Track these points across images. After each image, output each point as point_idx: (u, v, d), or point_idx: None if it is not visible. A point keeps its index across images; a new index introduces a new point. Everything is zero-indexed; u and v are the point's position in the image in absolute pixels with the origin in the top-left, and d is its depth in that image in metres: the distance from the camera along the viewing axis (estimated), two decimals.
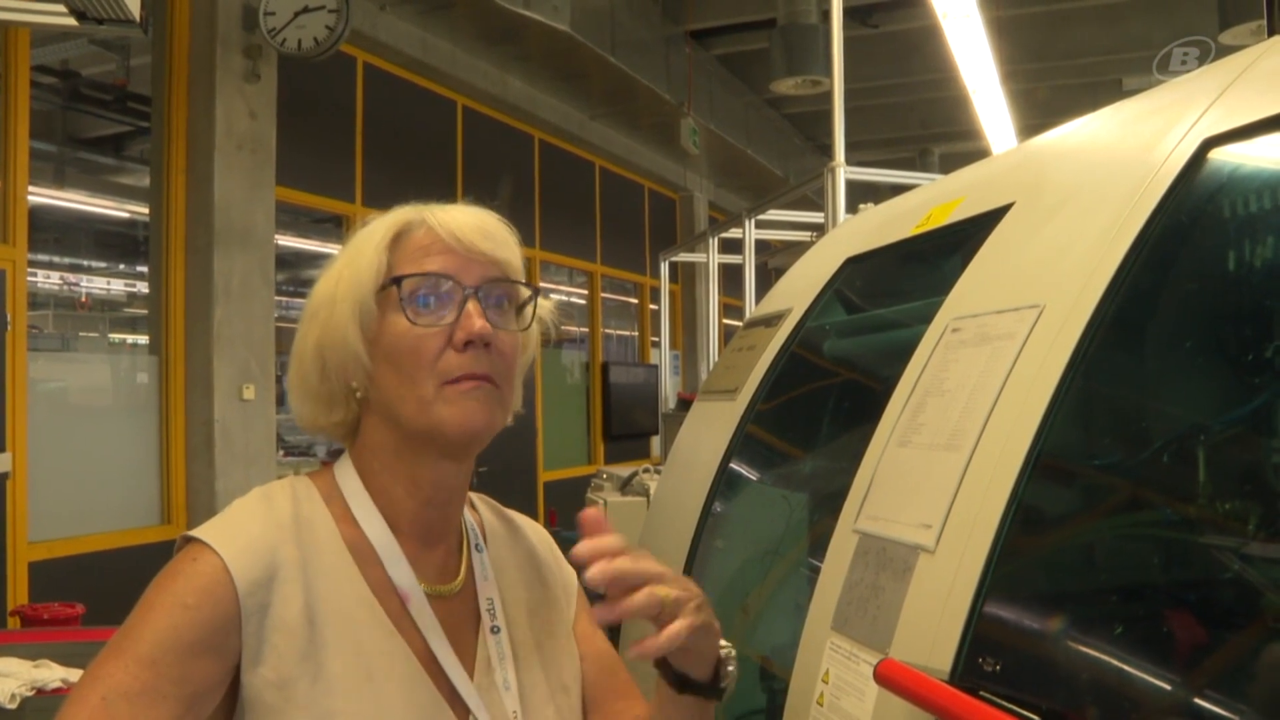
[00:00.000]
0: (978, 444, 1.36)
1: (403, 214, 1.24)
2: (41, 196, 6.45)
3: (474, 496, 1.41)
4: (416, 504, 1.22)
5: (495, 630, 1.26)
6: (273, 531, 1.15)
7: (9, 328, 5.12)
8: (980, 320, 1.54)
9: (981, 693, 1.09)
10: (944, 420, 1.47)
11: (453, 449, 1.19)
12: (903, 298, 2.25)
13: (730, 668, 1.25)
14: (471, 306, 1.17)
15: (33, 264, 5.52)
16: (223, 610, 1.07)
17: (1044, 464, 1.28)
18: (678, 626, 1.09)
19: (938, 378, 1.56)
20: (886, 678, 1.20)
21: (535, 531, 1.45)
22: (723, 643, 1.25)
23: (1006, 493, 1.26)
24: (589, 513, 1.12)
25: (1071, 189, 1.61)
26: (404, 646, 1.16)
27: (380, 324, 1.19)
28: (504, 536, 1.39)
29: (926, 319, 1.73)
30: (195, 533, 1.12)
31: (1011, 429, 1.32)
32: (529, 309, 1.26)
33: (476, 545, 1.32)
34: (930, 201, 2.16)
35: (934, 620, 1.29)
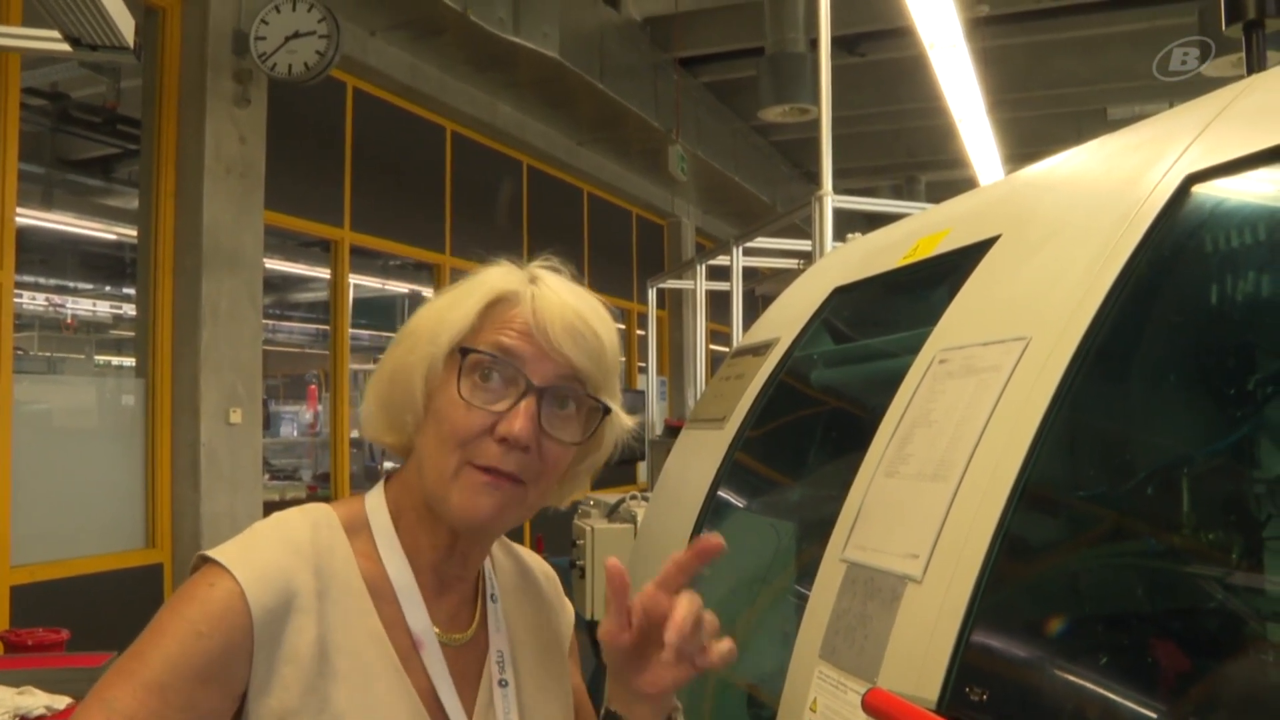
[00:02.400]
0: (965, 474, 1.37)
1: (507, 280, 1.22)
2: (29, 218, 6.44)
3: None
4: (438, 555, 1.22)
5: (503, 684, 1.25)
6: (290, 559, 1.14)
7: None
8: (967, 352, 1.55)
9: None
10: (931, 451, 1.48)
11: (462, 531, 1.19)
12: (890, 328, 2.27)
13: None
14: (525, 405, 1.14)
15: (19, 285, 5.50)
16: (236, 640, 1.06)
17: (1030, 494, 1.29)
18: (725, 646, 1.18)
19: (925, 408, 1.57)
20: (874, 707, 1.21)
21: (542, 570, 1.45)
22: (677, 703, 1.29)
23: (993, 523, 1.27)
24: (613, 564, 1.15)
25: (1057, 222, 1.63)
26: (409, 688, 1.15)
27: (442, 382, 1.17)
28: (516, 583, 1.38)
29: (914, 350, 1.74)
30: (214, 554, 1.11)
31: (998, 460, 1.33)
32: (595, 420, 1.23)
33: (492, 595, 1.31)
34: (917, 232, 2.18)
35: (921, 649, 1.30)
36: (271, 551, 1.14)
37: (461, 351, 1.16)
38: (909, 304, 2.24)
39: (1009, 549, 1.28)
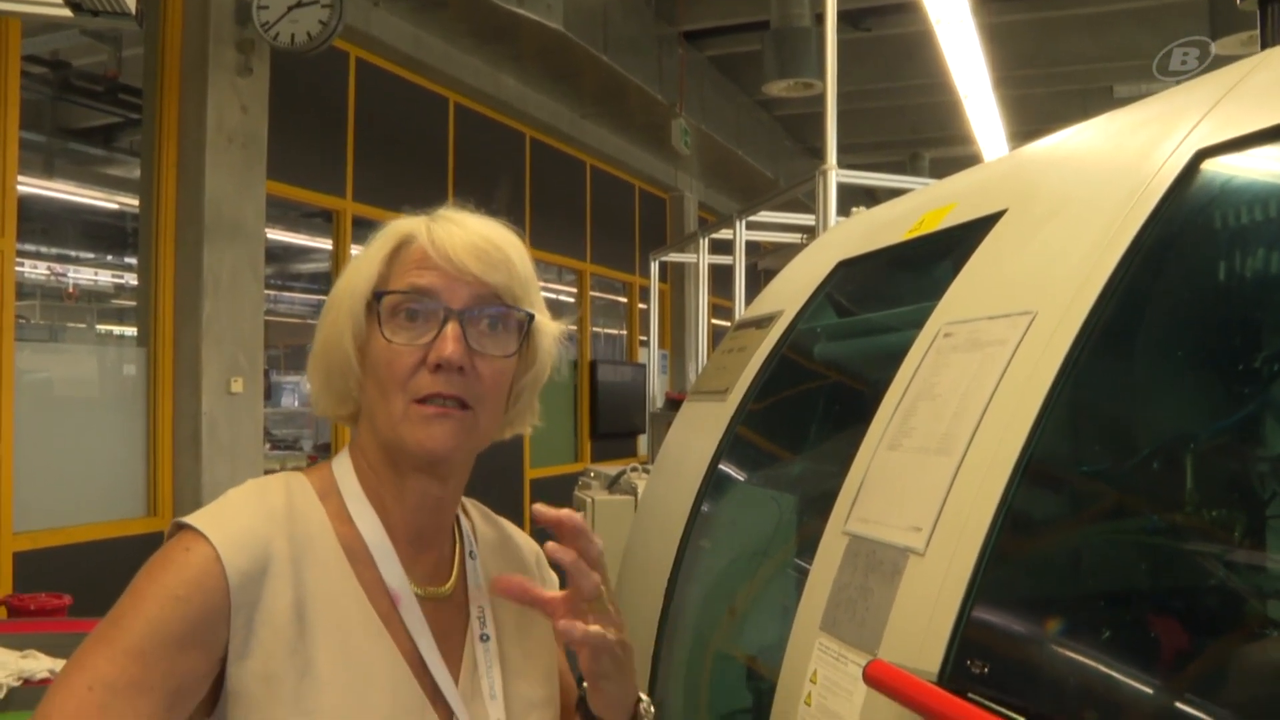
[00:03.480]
0: (968, 448, 1.37)
1: (407, 224, 1.24)
2: (30, 186, 6.43)
3: (466, 502, 1.41)
4: (405, 510, 1.23)
5: (485, 638, 1.27)
6: (266, 523, 1.15)
7: None
8: (972, 326, 1.55)
9: (970, 695, 1.10)
10: (935, 424, 1.48)
11: (420, 467, 1.20)
12: (894, 302, 2.26)
13: None
14: (450, 329, 1.16)
15: (21, 254, 5.49)
16: (213, 603, 1.07)
17: (1034, 469, 1.29)
18: (595, 629, 1.14)
19: (929, 382, 1.57)
20: (875, 679, 1.21)
21: (525, 542, 1.46)
22: (643, 696, 1.29)
23: (997, 497, 1.27)
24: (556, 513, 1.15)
25: (1064, 197, 1.62)
26: (392, 647, 1.17)
27: (368, 335, 1.20)
28: (496, 545, 1.39)
29: (918, 324, 1.74)
30: (188, 520, 1.12)
31: (1002, 434, 1.33)
32: (523, 330, 1.25)
33: (470, 552, 1.32)
34: (923, 206, 2.17)
35: (923, 622, 1.30)
36: (246, 517, 1.15)
37: (376, 297, 1.19)
38: (913, 278, 2.23)
39: (1012, 524, 1.28)
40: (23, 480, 5.19)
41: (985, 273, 1.66)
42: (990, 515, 1.27)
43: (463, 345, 1.16)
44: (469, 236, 1.20)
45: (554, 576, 1.44)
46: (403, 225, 1.24)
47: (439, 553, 1.28)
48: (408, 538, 1.23)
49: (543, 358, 1.30)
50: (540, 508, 1.12)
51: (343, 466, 1.25)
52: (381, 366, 1.17)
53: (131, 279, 6.75)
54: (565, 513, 1.15)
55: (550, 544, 1.15)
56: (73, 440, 5.65)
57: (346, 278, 1.23)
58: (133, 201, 6.48)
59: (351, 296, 1.20)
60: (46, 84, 7.56)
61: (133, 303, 6.66)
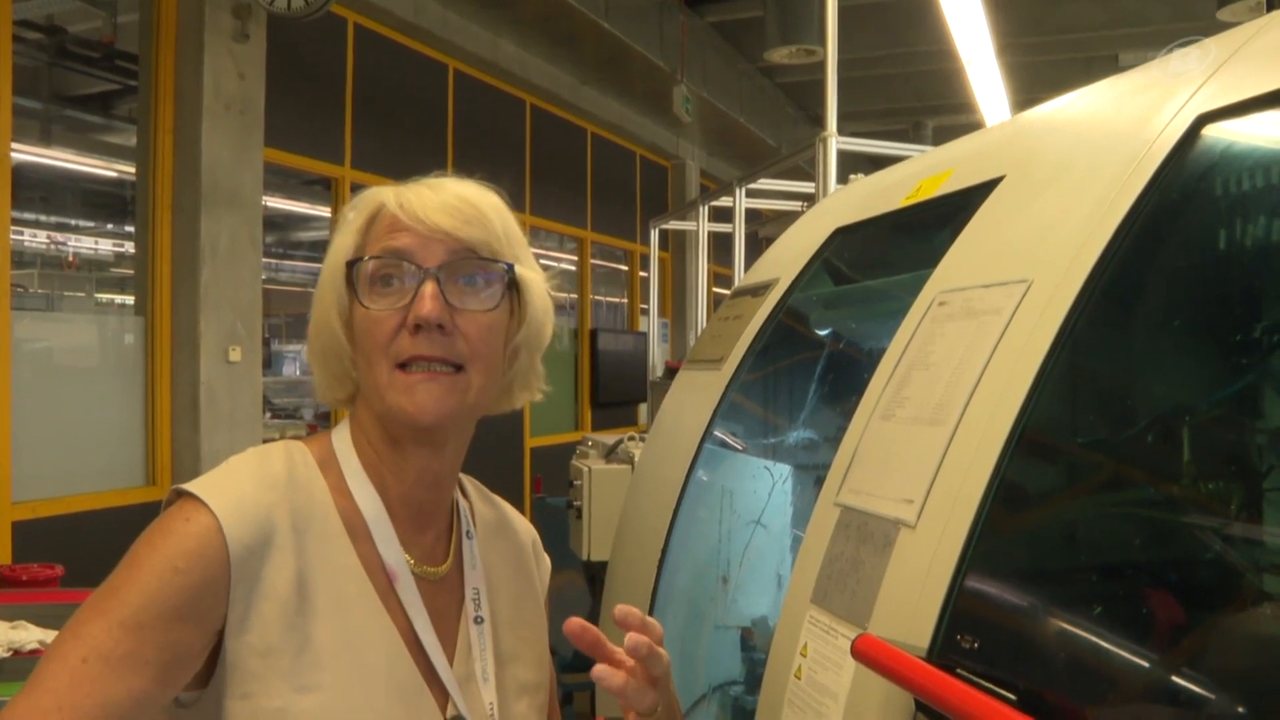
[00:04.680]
0: (961, 419, 1.35)
1: (378, 194, 1.22)
2: (27, 154, 6.39)
3: (465, 481, 1.39)
4: (403, 485, 1.21)
5: (479, 620, 1.25)
6: (269, 493, 1.13)
7: None
8: (967, 294, 1.52)
9: (958, 670, 1.09)
10: (928, 394, 1.46)
11: (418, 435, 1.18)
12: (891, 269, 2.24)
13: None
14: (427, 288, 1.13)
15: (19, 222, 5.46)
16: (212, 575, 1.05)
17: (1028, 440, 1.27)
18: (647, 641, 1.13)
19: (923, 351, 1.55)
20: (863, 653, 1.19)
21: (523, 525, 1.44)
22: None
23: (989, 469, 1.25)
24: (574, 624, 1.12)
25: (1063, 163, 1.60)
26: (389, 625, 1.15)
27: (350, 309, 1.18)
28: (492, 526, 1.37)
29: (914, 292, 1.72)
30: (190, 487, 1.09)
31: (996, 404, 1.31)
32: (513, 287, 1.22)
33: (467, 532, 1.30)
34: (920, 173, 2.15)
35: (913, 596, 1.28)
36: (249, 486, 1.12)
37: (350, 267, 1.17)
38: (910, 245, 2.21)
39: (1005, 495, 1.26)
40: (21, 450, 5.18)
41: (981, 240, 1.64)
42: (983, 487, 1.25)
43: (441, 303, 1.13)
44: (440, 196, 1.18)
45: (547, 563, 1.45)
46: (374, 195, 1.22)
47: (436, 531, 1.26)
48: (406, 514, 1.21)
49: (535, 314, 1.25)
50: (623, 610, 1.13)
51: (342, 439, 1.23)
52: (364, 336, 1.16)
53: (130, 247, 6.71)
54: (641, 621, 1.15)
55: (630, 636, 1.12)
56: (71, 409, 5.64)
57: (327, 262, 1.22)
58: (131, 169, 6.44)
59: (333, 276, 1.19)
60: (42, 50, 7.50)
61: (130, 271, 6.63)
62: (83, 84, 8.20)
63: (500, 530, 1.38)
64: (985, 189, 1.74)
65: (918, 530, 1.32)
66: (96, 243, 11.59)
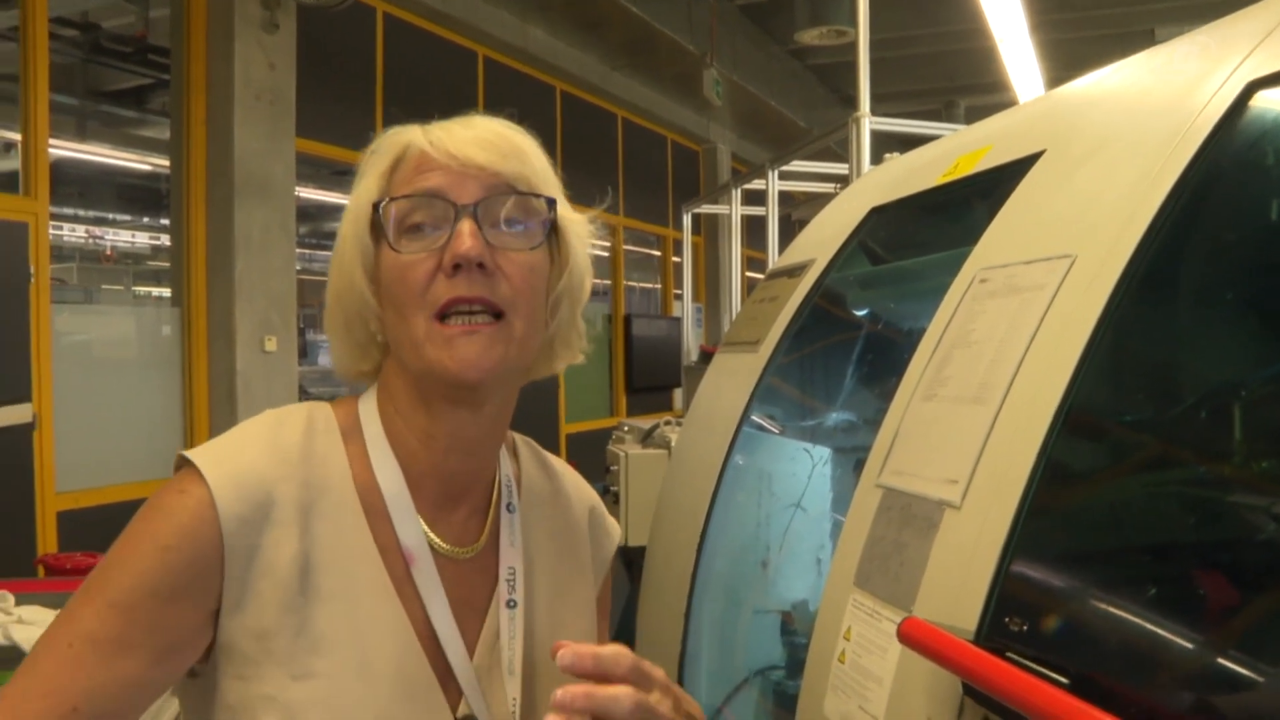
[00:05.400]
0: (1005, 398, 1.33)
1: (403, 134, 1.13)
2: (64, 150, 6.44)
3: (518, 440, 1.29)
4: (434, 455, 1.11)
5: (511, 605, 1.15)
6: (273, 465, 1.05)
7: (32, 280, 5.13)
8: (1009, 271, 1.49)
9: (1008, 654, 1.06)
10: (971, 373, 1.43)
11: (457, 395, 1.07)
12: (928, 248, 2.21)
13: None
14: (465, 226, 1.03)
15: (58, 217, 5.52)
16: (204, 551, 0.98)
17: (1074, 419, 1.24)
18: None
19: (964, 329, 1.52)
20: (910, 637, 1.17)
21: (578, 490, 1.34)
22: None
23: (1035, 448, 1.23)
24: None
25: (1105, 136, 1.56)
26: (400, 613, 1.07)
27: (377, 260, 1.08)
28: (543, 495, 1.27)
29: (952, 270, 1.69)
30: (191, 454, 1.03)
31: (1041, 382, 1.28)
32: (547, 220, 1.11)
33: (508, 504, 1.20)
34: (957, 150, 2.11)
35: (959, 578, 1.26)
36: (254, 455, 1.05)
37: (376, 207, 1.08)
38: (948, 224, 2.18)
39: (1051, 475, 1.23)
40: (63, 440, 5.25)
41: (1022, 216, 1.61)
42: (1029, 467, 1.22)
43: (480, 239, 1.03)
44: (473, 131, 1.09)
45: (614, 532, 1.36)
46: (399, 134, 1.13)
47: (470, 506, 1.16)
48: (435, 489, 1.12)
49: (578, 261, 1.16)
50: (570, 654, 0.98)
51: (368, 406, 1.14)
52: (395, 285, 1.05)
53: (166, 240, 6.76)
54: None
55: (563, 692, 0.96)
56: (111, 400, 5.70)
57: (349, 206, 1.12)
58: (165, 162, 6.49)
59: (356, 221, 1.10)
60: (77, 46, 7.56)
61: (167, 264, 6.68)
62: (117, 79, 8.26)
63: (552, 501, 1.28)
64: (1025, 164, 1.71)
65: (963, 511, 1.30)
66: (133, 236, 11.70)
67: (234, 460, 1.03)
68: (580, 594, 1.27)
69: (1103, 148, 1.53)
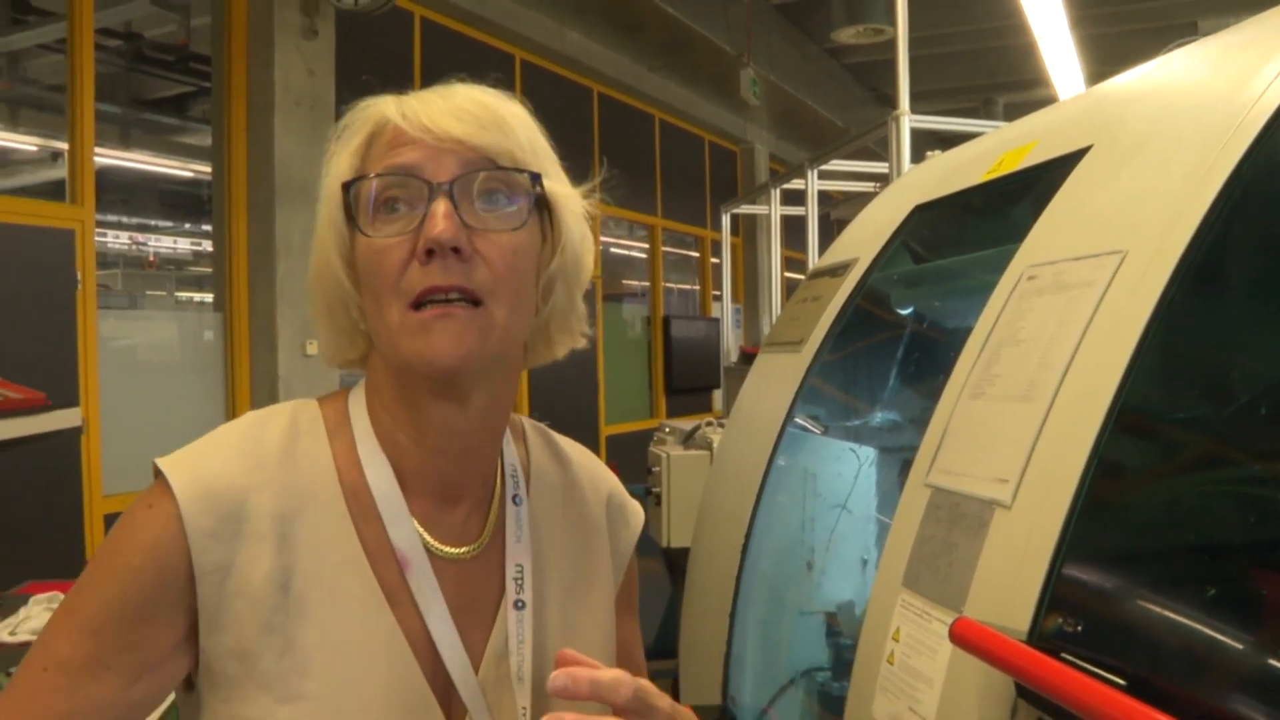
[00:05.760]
0: (1056, 396, 1.31)
1: (376, 106, 1.04)
2: (109, 158, 6.52)
3: (527, 426, 1.21)
4: (425, 452, 1.03)
5: (520, 605, 1.06)
6: (249, 474, 0.98)
7: (79, 286, 5.19)
8: (1057, 267, 1.48)
9: (1063, 655, 1.05)
10: (1020, 371, 1.42)
11: (438, 387, 0.99)
12: (973, 246, 2.19)
13: None
14: (439, 207, 0.94)
15: (102, 224, 5.59)
16: (172, 567, 0.93)
17: (1126, 417, 1.23)
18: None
19: (1012, 327, 1.51)
20: (962, 637, 1.16)
21: (595, 477, 1.24)
22: None
23: (1087, 447, 1.21)
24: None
25: (1153, 130, 1.54)
26: (392, 625, 0.99)
27: (352, 242, 1.00)
28: (553, 484, 1.18)
29: (999, 268, 1.68)
30: (162, 463, 0.98)
31: (1092, 380, 1.27)
32: (531, 195, 1.01)
33: (514, 496, 1.12)
34: (1001, 146, 2.10)
35: (1010, 578, 1.25)
36: (226, 463, 0.98)
37: (345, 189, 0.99)
38: (993, 221, 2.16)
39: (1103, 474, 1.22)
40: (109, 444, 5.31)
41: (1069, 212, 1.59)
42: (1081, 466, 1.21)
43: (455, 222, 0.95)
44: (451, 102, 1.00)
45: (636, 516, 1.27)
46: (372, 106, 1.04)
47: (470, 504, 1.08)
48: (428, 489, 1.04)
49: (572, 237, 1.06)
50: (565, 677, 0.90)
51: (356, 401, 1.08)
52: (369, 272, 0.97)
53: (208, 246, 6.83)
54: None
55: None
56: (155, 404, 5.75)
57: (323, 186, 1.04)
58: (206, 168, 6.55)
59: (329, 204, 1.01)
60: (120, 55, 7.64)
61: (209, 269, 6.74)
62: (159, 87, 8.35)
63: (564, 491, 1.19)
64: (1071, 160, 1.69)
65: (1013, 510, 1.29)
66: (175, 241, 11.80)
67: (206, 469, 0.98)
68: (597, 591, 1.18)
69: (1151, 142, 1.51)
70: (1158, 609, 1.15)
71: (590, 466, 1.25)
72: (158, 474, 0.98)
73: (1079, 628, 1.12)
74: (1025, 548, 1.23)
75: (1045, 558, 1.19)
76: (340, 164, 1.02)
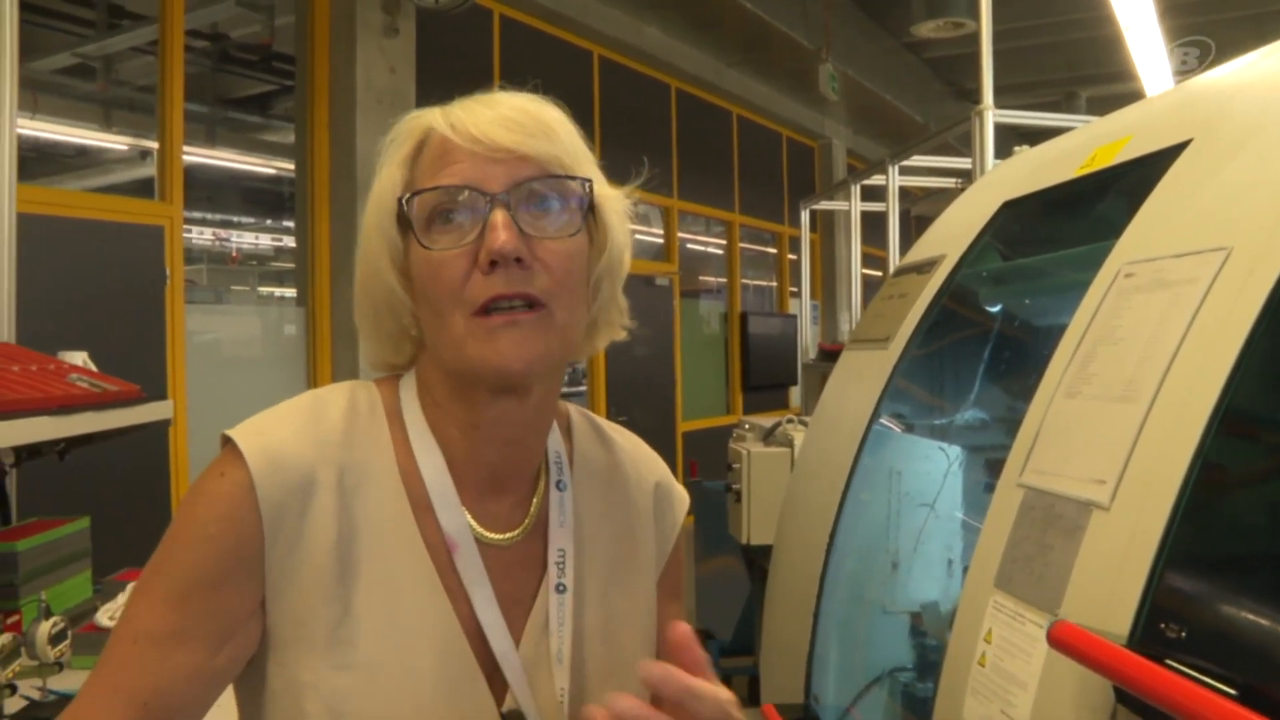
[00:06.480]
0: (1157, 395, 1.28)
1: (422, 117, 1.06)
2: (195, 156, 6.65)
3: (573, 413, 1.22)
4: (474, 444, 1.06)
5: (560, 589, 1.08)
6: (314, 448, 1.01)
7: (168, 282, 5.30)
8: (1157, 265, 1.45)
9: (1167, 661, 1.03)
10: (1117, 370, 1.39)
11: (497, 390, 1.02)
12: (1064, 243, 2.15)
13: None
14: (497, 217, 0.97)
15: (188, 221, 5.70)
16: (246, 536, 0.96)
17: (1232, 418, 1.20)
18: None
19: (1109, 326, 1.48)
20: (1062, 641, 1.14)
21: (641, 463, 1.24)
22: None
23: (1191, 448, 1.18)
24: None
25: (1258, 123, 1.50)
26: (446, 605, 1.02)
27: (406, 253, 1.03)
28: (598, 471, 1.19)
29: (1091, 265, 1.64)
30: (233, 433, 1.00)
31: (1195, 379, 1.24)
32: (583, 200, 1.03)
33: (558, 482, 1.13)
34: (1093, 141, 2.06)
35: (1109, 582, 1.22)
36: (293, 436, 1.01)
37: (400, 203, 1.01)
38: (1084, 218, 2.12)
39: (1208, 476, 1.19)
40: (195, 436, 5.41)
41: (1169, 207, 1.56)
42: (1184, 467, 1.18)
43: (515, 231, 0.97)
44: (496, 111, 1.02)
45: (680, 501, 1.26)
46: (418, 119, 1.06)
47: (517, 495, 1.11)
48: (478, 476, 1.07)
49: (616, 239, 1.08)
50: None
51: (408, 392, 1.10)
52: (428, 282, 1.00)
53: (290, 242, 6.93)
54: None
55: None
56: (238, 398, 5.85)
57: (372, 196, 1.06)
58: (289, 166, 6.65)
59: (380, 213, 1.04)
60: (207, 56, 7.79)
61: (291, 265, 6.85)
62: (244, 86, 8.50)
63: (608, 477, 1.20)
64: (1170, 154, 1.65)
65: (1112, 512, 1.26)
66: (256, 238, 12.00)
67: (275, 440, 1.00)
68: (638, 576, 1.18)
69: (1256, 136, 1.47)
70: (1267, 616, 1.11)
71: (635, 452, 1.25)
72: (226, 442, 1.01)
73: (1183, 634, 1.09)
74: (1125, 550, 1.21)
75: (1146, 561, 1.16)
76: (390, 175, 1.05)
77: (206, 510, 0.98)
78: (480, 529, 1.06)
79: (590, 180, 1.04)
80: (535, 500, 1.12)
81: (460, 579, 1.03)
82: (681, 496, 1.27)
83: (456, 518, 1.04)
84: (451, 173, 1.00)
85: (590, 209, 1.05)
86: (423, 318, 1.04)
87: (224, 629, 0.96)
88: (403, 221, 1.02)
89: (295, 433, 1.01)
